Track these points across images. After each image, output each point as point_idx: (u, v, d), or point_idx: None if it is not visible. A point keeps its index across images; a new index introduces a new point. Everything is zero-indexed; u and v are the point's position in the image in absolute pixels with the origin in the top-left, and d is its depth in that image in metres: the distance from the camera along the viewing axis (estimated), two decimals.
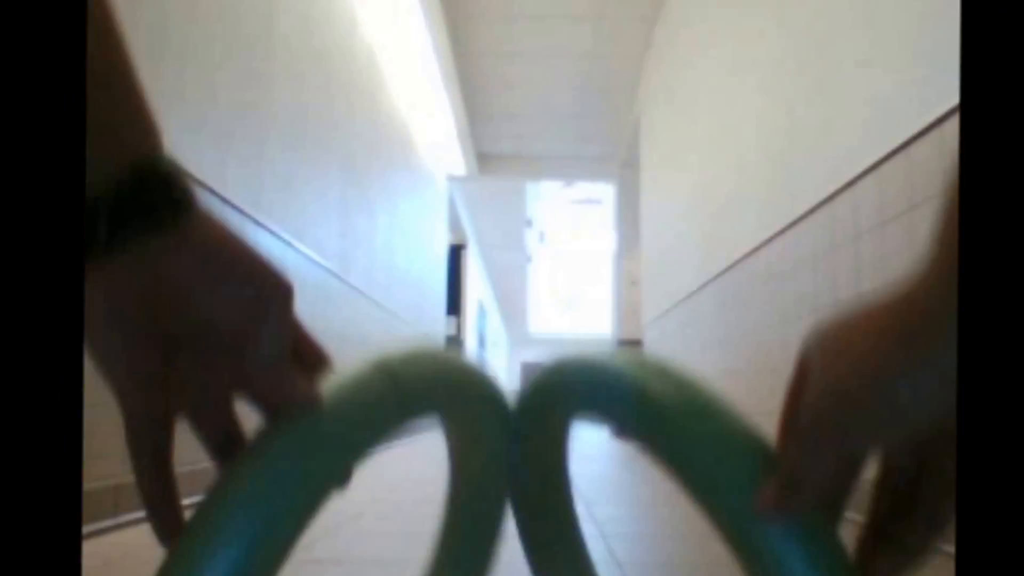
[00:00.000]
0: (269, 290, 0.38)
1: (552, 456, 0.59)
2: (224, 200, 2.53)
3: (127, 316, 0.37)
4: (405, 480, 3.01)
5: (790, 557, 0.35)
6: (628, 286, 8.00)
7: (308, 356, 0.43)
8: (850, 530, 0.38)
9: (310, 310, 3.55)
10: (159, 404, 0.40)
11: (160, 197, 0.35)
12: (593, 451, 4.97)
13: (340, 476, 0.42)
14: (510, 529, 0.61)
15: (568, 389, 0.52)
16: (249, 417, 0.43)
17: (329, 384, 0.43)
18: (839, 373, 0.33)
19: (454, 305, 11.02)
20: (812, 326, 0.37)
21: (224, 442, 0.42)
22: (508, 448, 0.58)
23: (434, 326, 7.91)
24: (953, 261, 0.30)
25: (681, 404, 0.42)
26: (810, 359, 0.37)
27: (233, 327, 0.37)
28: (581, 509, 0.81)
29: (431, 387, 0.50)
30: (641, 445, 0.45)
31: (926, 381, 0.30)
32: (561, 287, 18.84)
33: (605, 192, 10.16)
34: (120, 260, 0.35)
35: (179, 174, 0.36)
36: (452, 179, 8.96)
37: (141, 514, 1.99)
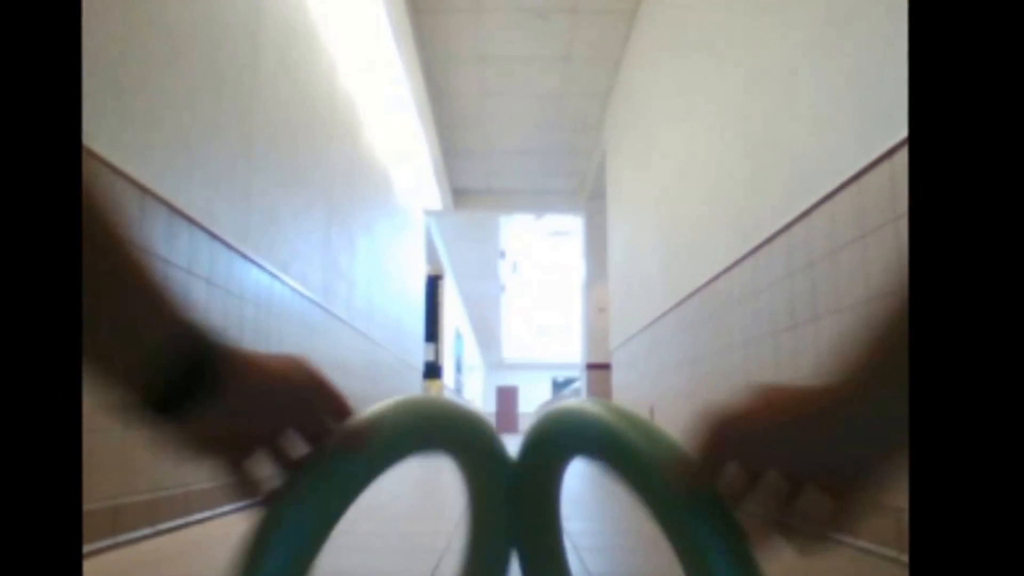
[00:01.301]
0: (301, 375, 0.52)
1: (549, 500, 0.71)
2: (213, 235, 2.51)
3: (212, 442, 0.49)
4: (379, 493, 2.97)
5: (698, 528, 0.50)
6: (596, 313, 8.03)
7: (333, 405, 0.55)
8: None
9: (296, 338, 3.52)
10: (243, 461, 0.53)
11: (207, 370, 0.46)
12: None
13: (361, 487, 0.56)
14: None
15: (561, 438, 0.65)
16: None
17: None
18: (758, 414, 0.48)
19: (432, 332, 11.00)
20: (744, 387, 0.50)
21: (289, 465, 0.55)
22: (511, 495, 0.69)
23: (413, 353, 7.87)
24: (861, 384, 0.42)
25: (635, 435, 0.57)
26: (736, 402, 0.50)
27: (294, 412, 0.52)
28: None
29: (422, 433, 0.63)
30: (606, 468, 0.58)
31: (816, 442, 0.45)
32: (533, 315, 18.86)
33: (574, 224, 10.24)
34: (189, 415, 0.45)
35: (214, 347, 0.47)
36: (429, 213, 8.98)
37: (138, 533, 1.93)
